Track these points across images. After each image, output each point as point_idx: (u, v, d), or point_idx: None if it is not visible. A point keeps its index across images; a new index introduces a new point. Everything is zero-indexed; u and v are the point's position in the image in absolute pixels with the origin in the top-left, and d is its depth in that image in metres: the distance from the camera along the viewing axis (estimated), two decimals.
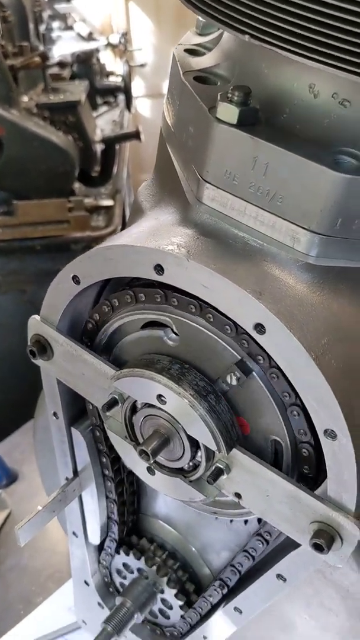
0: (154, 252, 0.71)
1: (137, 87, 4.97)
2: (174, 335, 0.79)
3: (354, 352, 0.70)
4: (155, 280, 0.74)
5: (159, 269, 0.72)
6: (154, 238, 0.74)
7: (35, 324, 0.89)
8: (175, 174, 0.83)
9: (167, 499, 1.09)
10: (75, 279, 0.81)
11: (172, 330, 0.79)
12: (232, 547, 1.02)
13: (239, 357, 0.73)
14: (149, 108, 5.19)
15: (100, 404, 0.87)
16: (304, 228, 0.68)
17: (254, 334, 0.68)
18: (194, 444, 0.80)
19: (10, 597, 1.63)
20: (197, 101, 0.74)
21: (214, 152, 0.71)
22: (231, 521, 0.96)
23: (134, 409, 0.85)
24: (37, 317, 0.89)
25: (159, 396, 0.78)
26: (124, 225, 2.90)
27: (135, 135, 2.87)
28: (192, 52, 0.87)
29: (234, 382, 0.74)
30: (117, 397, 0.85)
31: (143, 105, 5.11)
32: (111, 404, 0.84)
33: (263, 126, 0.70)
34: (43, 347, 0.89)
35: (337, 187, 0.64)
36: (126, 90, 3.51)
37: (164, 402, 0.78)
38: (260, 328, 0.67)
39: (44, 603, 1.59)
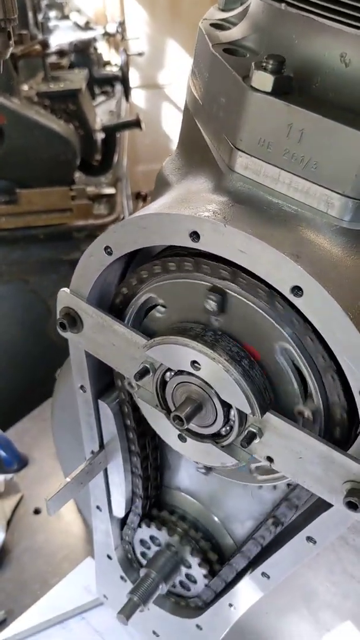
0: (190, 219, 0.73)
1: (132, 77, 4.97)
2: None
3: None
4: (190, 248, 0.75)
5: (195, 236, 0.73)
6: (188, 206, 0.75)
7: (65, 297, 0.90)
8: (204, 146, 0.84)
9: (191, 471, 1.11)
10: (108, 250, 0.83)
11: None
12: (257, 516, 1.04)
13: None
14: (143, 99, 5.18)
15: (131, 373, 0.88)
16: (338, 193, 0.70)
17: (290, 297, 0.69)
18: (227, 410, 0.82)
19: (25, 577, 1.64)
20: (229, 72, 0.76)
21: (248, 120, 0.73)
22: (260, 487, 0.97)
23: (164, 378, 0.87)
24: (66, 290, 0.91)
25: (193, 362, 0.79)
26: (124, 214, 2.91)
27: (136, 123, 2.87)
28: (217, 26, 0.88)
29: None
30: (148, 366, 0.86)
31: (138, 96, 5.10)
32: (143, 372, 0.86)
33: (297, 94, 0.71)
34: (73, 320, 0.91)
35: None
36: (124, 79, 3.51)
37: (198, 368, 0.79)
38: (297, 291, 0.68)
39: (60, 583, 1.60)
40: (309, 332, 0.72)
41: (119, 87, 3.74)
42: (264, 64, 0.70)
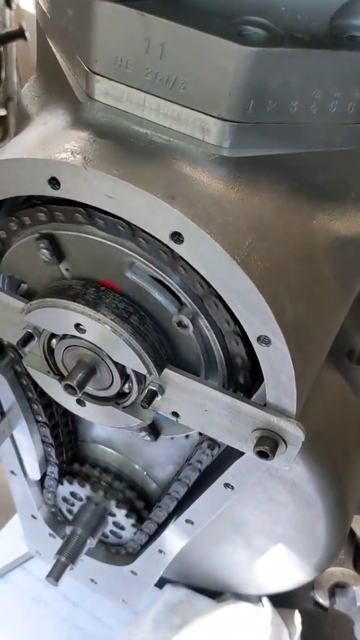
0: (45, 163, 0.62)
1: None
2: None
3: (278, 249, 0.64)
4: (53, 196, 0.65)
5: (55, 182, 0.62)
6: (44, 147, 0.64)
7: None
8: (59, 69, 0.71)
9: None
10: None
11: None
12: (176, 459, 1.00)
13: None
14: (32, 3, 4.70)
15: (15, 340, 0.79)
16: (213, 116, 0.60)
17: (171, 244, 0.61)
18: (123, 369, 0.75)
19: None
20: None
21: (99, 36, 0.61)
22: (172, 438, 0.93)
23: (51, 342, 0.78)
24: None
25: (77, 325, 0.71)
26: None
27: (20, 33, 2.59)
28: None
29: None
30: (31, 331, 0.77)
31: (26, 1, 4.62)
32: (26, 339, 0.77)
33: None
34: None
35: (244, 62, 0.56)
36: None
37: (84, 331, 0.71)
38: (177, 237, 0.60)
39: None
40: (196, 276, 0.64)
41: None
42: None
